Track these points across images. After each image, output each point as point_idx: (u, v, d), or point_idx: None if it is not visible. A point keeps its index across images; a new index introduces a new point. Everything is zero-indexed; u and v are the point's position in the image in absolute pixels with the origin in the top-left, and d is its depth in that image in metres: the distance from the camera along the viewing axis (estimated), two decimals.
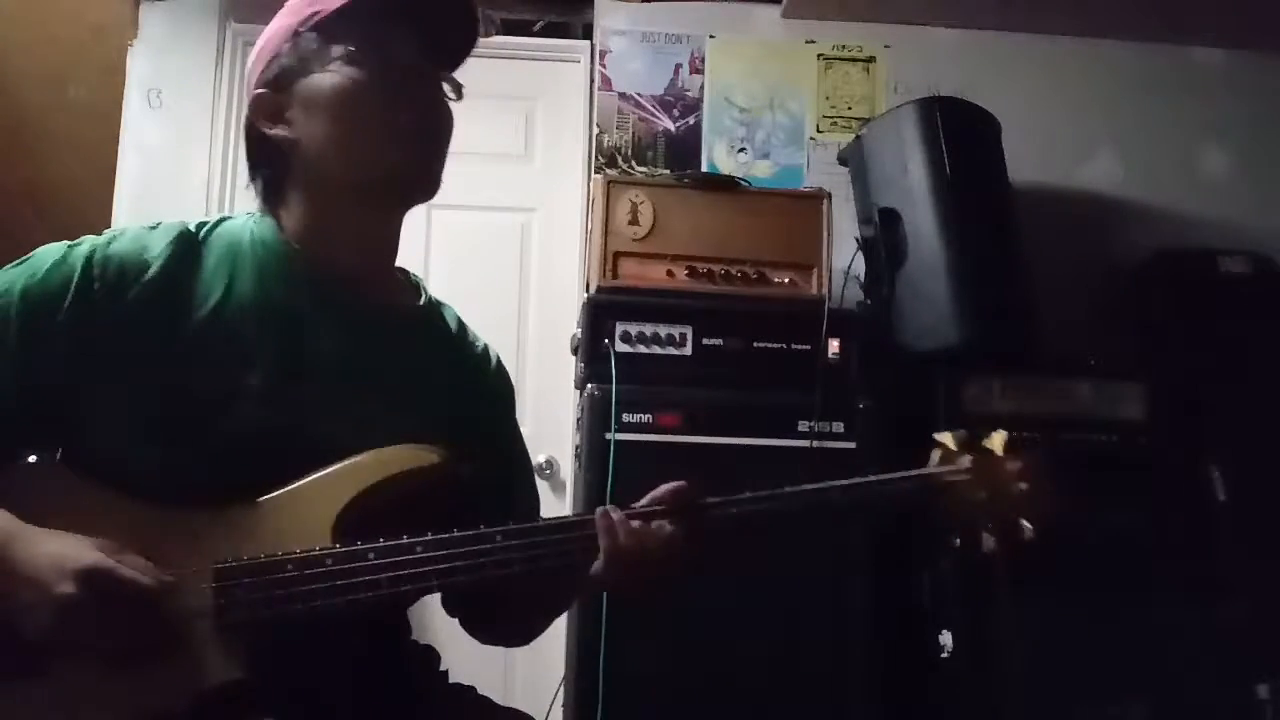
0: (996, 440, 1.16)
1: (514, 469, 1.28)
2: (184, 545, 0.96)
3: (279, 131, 1.10)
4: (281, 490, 1.01)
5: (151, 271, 1.04)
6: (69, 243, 1.06)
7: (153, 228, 1.10)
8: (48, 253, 1.05)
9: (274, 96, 1.11)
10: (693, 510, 1.07)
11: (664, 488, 1.09)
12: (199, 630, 0.94)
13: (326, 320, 1.09)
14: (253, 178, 1.16)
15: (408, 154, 1.11)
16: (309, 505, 1.01)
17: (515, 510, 1.22)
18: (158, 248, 1.06)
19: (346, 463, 1.02)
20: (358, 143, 1.09)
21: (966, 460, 1.15)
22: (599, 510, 1.06)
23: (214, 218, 1.15)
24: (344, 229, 1.12)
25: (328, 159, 1.10)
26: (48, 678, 0.92)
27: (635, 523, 1.05)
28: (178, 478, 0.99)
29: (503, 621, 1.25)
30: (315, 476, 1.02)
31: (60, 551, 0.91)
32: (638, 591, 1.06)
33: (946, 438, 1.16)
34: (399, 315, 1.18)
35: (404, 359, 1.15)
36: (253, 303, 1.07)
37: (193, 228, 1.11)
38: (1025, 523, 1.11)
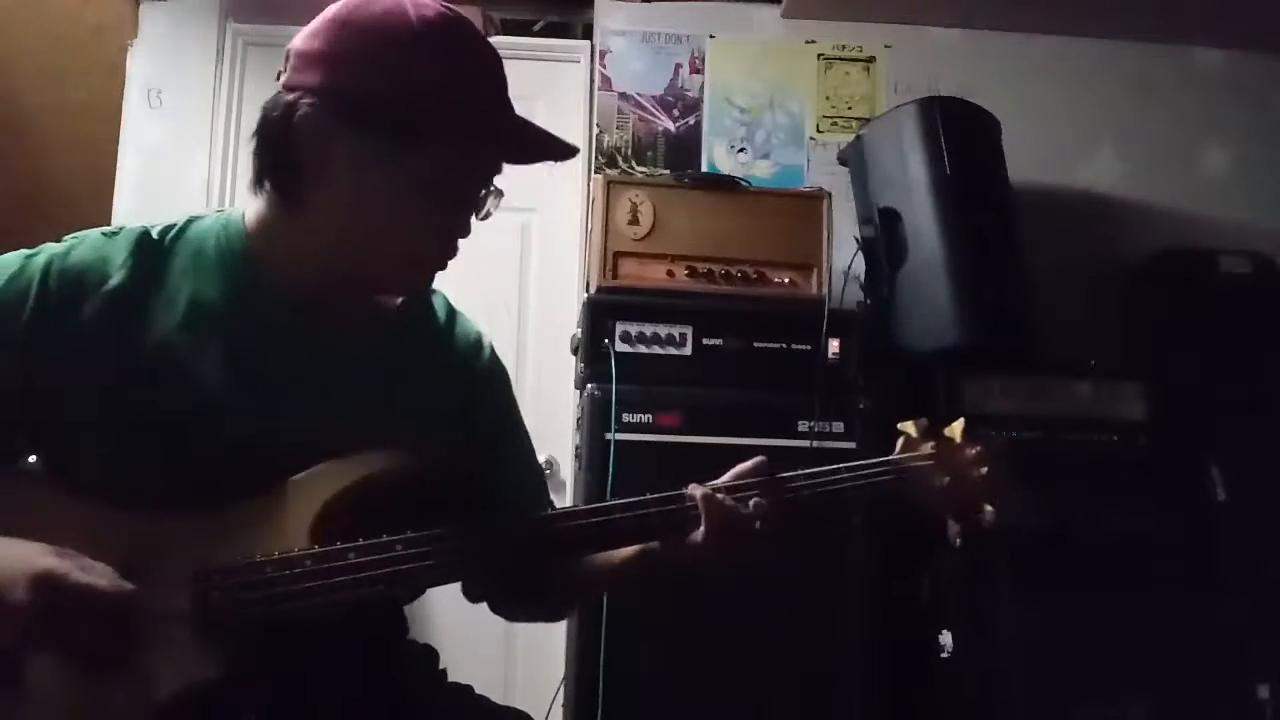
0: (955, 428, 1.18)
1: (508, 454, 1.25)
2: (161, 552, 0.95)
3: (309, 155, 1.02)
4: (258, 496, 1.00)
5: (111, 282, 1.02)
6: (27, 251, 1.04)
7: (114, 234, 1.07)
8: (4, 263, 1.03)
9: (336, 109, 1.00)
10: (777, 484, 1.10)
11: (744, 465, 1.12)
12: (175, 633, 0.93)
13: (293, 326, 1.07)
14: (260, 160, 1.06)
15: (417, 276, 1.11)
16: (286, 509, 1.00)
17: (521, 496, 1.22)
18: (118, 257, 1.04)
19: (321, 466, 1.02)
20: (379, 241, 1.05)
21: (928, 447, 1.17)
22: (696, 488, 1.07)
23: (182, 219, 1.11)
24: (315, 266, 1.07)
25: (341, 228, 1.05)
26: (21, 690, 0.91)
27: (727, 498, 1.07)
28: (149, 485, 0.98)
29: (528, 601, 1.26)
30: (291, 481, 1.01)
31: (15, 556, 0.90)
32: (733, 564, 1.07)
33: (909, 426, 1.19)
34: (373, 315, 1.14)
35: (379, 359, 1.13)
36: (216, 310, 1.05)
37: (156, 233, 1.08)
38: (988, 506, 1.14)
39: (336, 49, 1.02)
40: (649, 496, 1.09)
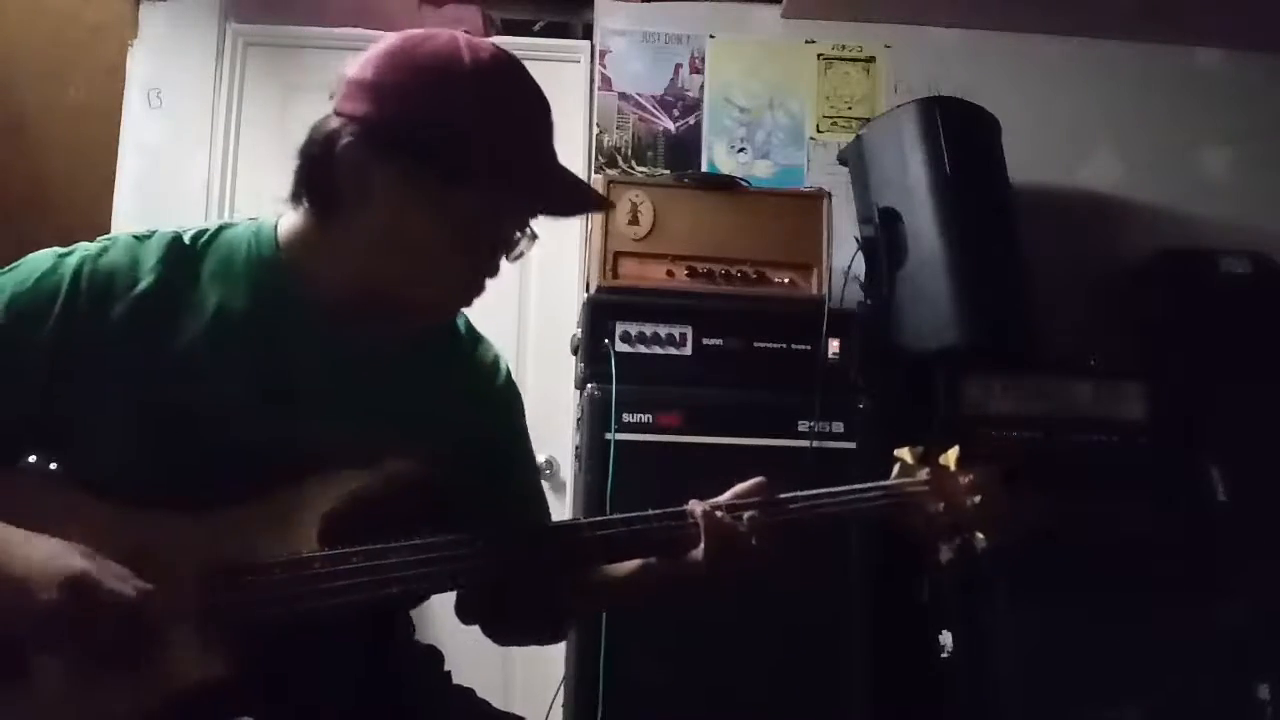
0: (950, 456, 1.21)
1: (518, 474, 1.26)
2: (171, 551, 0.96)
3: (349, 182, 1.02)
4: (269, 499, 1.01)
5: (141, 285, 1.03)
6: (59, 251, 1.04)
7: (146, 237, 1.07)
8: (38, 261, 1.04)
9: (381, 140, 1.00)
10: (777, 505, 1.12)
11: (742, 485, 1.13)
12: (184, 632, 0.93)
13: (318, 336, 1.08)
14: (300, 177, 1.06)
15: (442, 310, 1.12)
16: (296, 513, 1.01)
17: (526, 515, 1.23)
18: (149, 261, 1.04)
19: (329, 472, 1.02)
20: (409, 273, 1.05)
21: (924, 474, 1.19)
22: (696, 505, 1.09)
23: (214, 225, 1.11)
24: (344, 282, 1.07)
25: (374, 254, 1.04)
26: (29, 682, 0.91)
27: (726, 515, 1.09)
28: (163, 485, 0.99)
29: (522, 620, 1.25)
30: (302, 485, 1.02)
31: (45, 557, 0.90)
32: (732, 581, 1.09)
33: (905, 453, 1.21)
34: (397, 331, 1.14)
35: (400, 372, 1.13)
36: (243, 316, 1.05)
37: (188, 238, 1.08)
38: (979, 534, 1.16)
39: (386, 81, 1.02)
40: (651, 512, 1.10)
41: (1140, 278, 2.73)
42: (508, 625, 1.26)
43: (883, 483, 1.19)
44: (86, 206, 2.75)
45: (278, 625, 0.96)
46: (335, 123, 1.02)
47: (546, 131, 1.09)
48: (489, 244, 1.07)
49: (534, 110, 1.08)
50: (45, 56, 2.81)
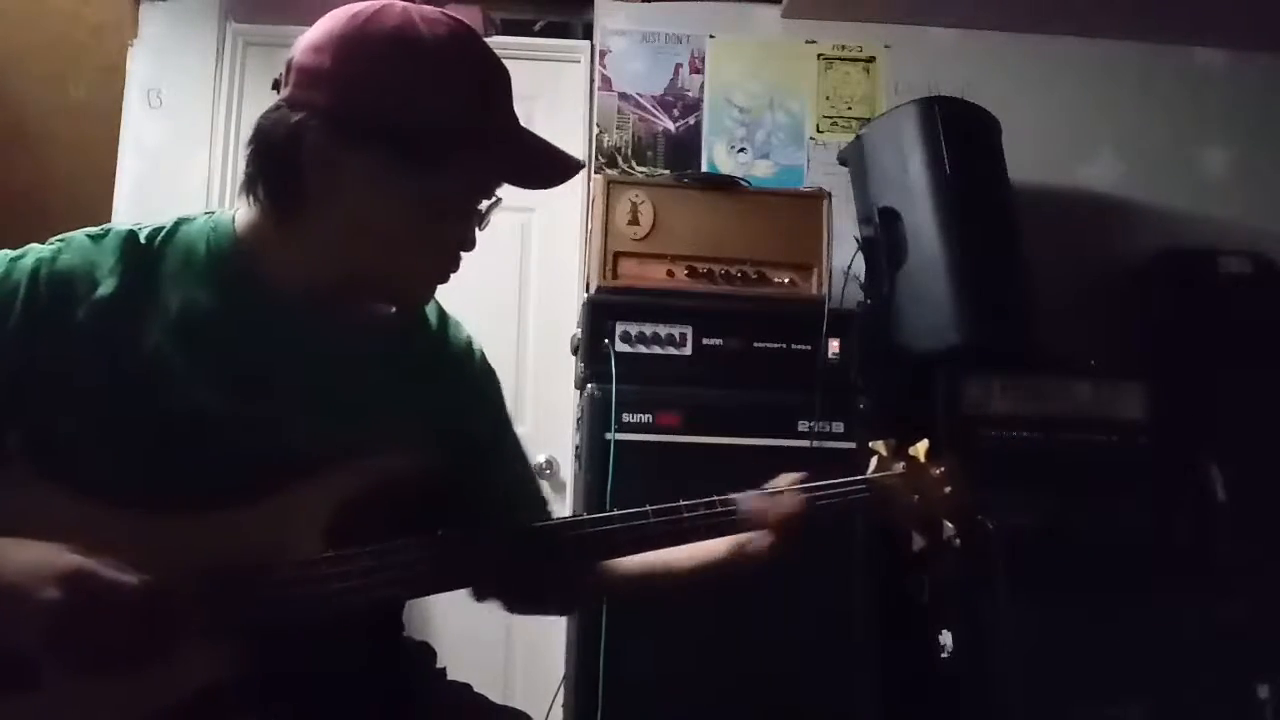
0: (919, 448, 1.26)
1: (508, 452, 1.26)
2: (167, 555, 0.93)
3: (318, 176, 1.00)
4: (262, 499, 0.99)
5: (101, 290, 1.00)
6: (9, 253, 1.01)
7: (101, 236, 1.04)
8: None
9: (349, 131, 0.98)
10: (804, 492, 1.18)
11: (787, 476, 1.20)
12: (190, 635, 0.92)
13: (290, 329, 1.06)
14: (259, 173, 1.03)
15: (421, 290, 1.11)
16: (293, 514, 0.99)
17: (525, 500, 1.24)
18: (107, 262, 1.01)
19: (323, 470, 1.01)
20: (385, 257, 1.04)
21: (900, 466, 1.24)
22: (745, 495, 1.15)
23: (169, 221, 1.09)
24: (312, 272, 1.06)
25: (346, 242, 1.03)
26: (32, 689, 0.90)
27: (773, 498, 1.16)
28: (150, 488, 0.97)
29: (541, 599, 1.28)
30: (301, 484, 1.00)
31: (36, 558, 0.89)
32: (791, 556, 1.15)
33: (880, 446, 1.27)
34: (368, 319, 1.13)
35: (376, 362, 1.12)
36: (210, 314, 1.03)
37: (144, 236, 1.05)
38: (947, 523, 1.22)
39: (347, 68, 0.99)
40: (686, 502, 1.13)
41: (1140, 278, 2.73)
42: (528, 602, 1.28)
43: (863, 476, 1.23)
44: (86, 206, 2.75)
45: (285, 627, 0.95)
46: (295, 117, 0.99)
47: (509, 96, 1.07)
48: (464, 217, 1.06)
49: (496, 76, 1.05)
50: (46, 57, 2.82)
